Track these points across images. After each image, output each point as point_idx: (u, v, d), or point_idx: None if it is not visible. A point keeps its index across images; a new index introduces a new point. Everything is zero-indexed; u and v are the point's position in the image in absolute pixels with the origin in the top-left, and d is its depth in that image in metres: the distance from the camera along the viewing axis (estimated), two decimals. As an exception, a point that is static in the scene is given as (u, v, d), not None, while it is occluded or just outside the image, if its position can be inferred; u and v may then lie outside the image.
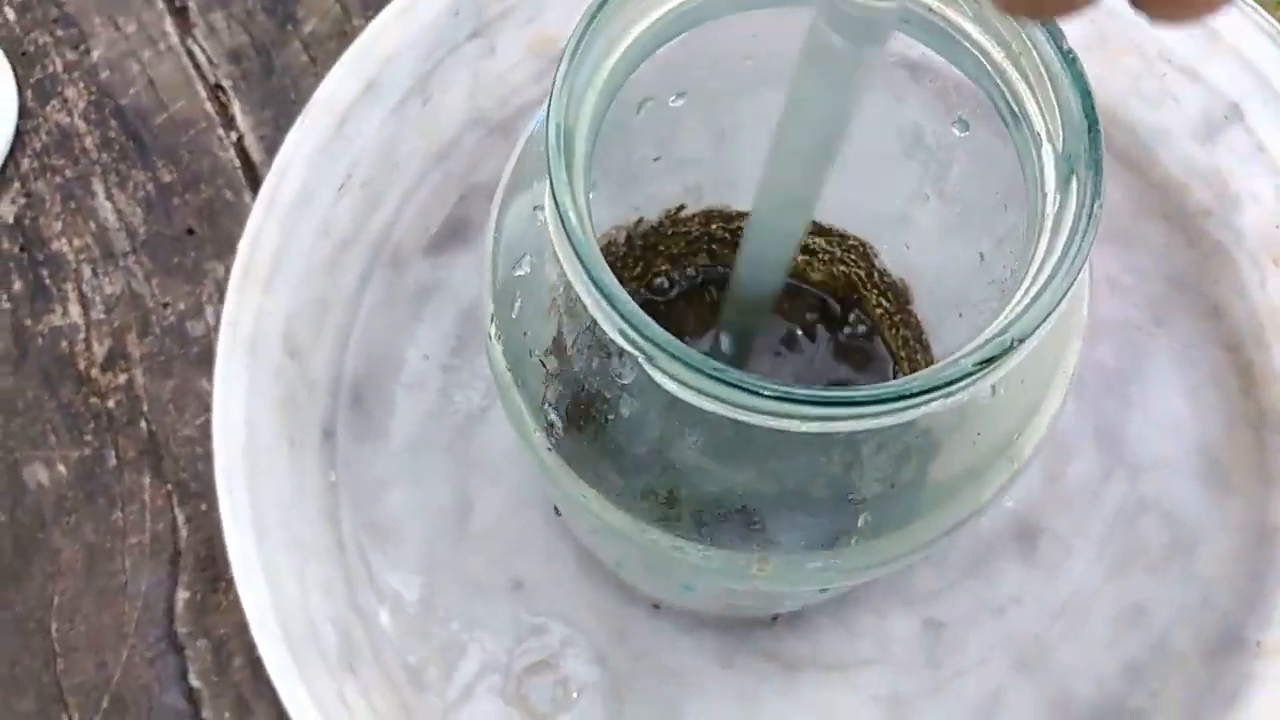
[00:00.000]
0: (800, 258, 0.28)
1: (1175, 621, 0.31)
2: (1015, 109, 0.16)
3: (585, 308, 0.15)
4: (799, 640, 0.30)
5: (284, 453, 0.30)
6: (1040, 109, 0.16)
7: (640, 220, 0.28)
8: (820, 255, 0.28)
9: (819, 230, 0.28)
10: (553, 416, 0.18)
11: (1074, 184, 0.15)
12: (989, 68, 0.16)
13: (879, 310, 0.30)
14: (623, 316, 0.14)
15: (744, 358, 0.23)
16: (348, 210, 0.31)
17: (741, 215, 0.29)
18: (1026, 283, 0.15)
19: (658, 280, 0.31)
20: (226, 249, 0.36)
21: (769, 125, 0.25)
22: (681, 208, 0.27)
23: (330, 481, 0.32)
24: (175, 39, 0.38)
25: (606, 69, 0.16)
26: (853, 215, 0.28)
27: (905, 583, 0.31)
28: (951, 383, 0.14)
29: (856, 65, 0.16)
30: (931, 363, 0.28)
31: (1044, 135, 0.16)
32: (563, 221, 0.14)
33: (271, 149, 0.37)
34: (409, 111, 0.32)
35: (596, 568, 0.31)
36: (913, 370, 0.29)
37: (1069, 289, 0.15)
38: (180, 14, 0.39)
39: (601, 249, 0.27)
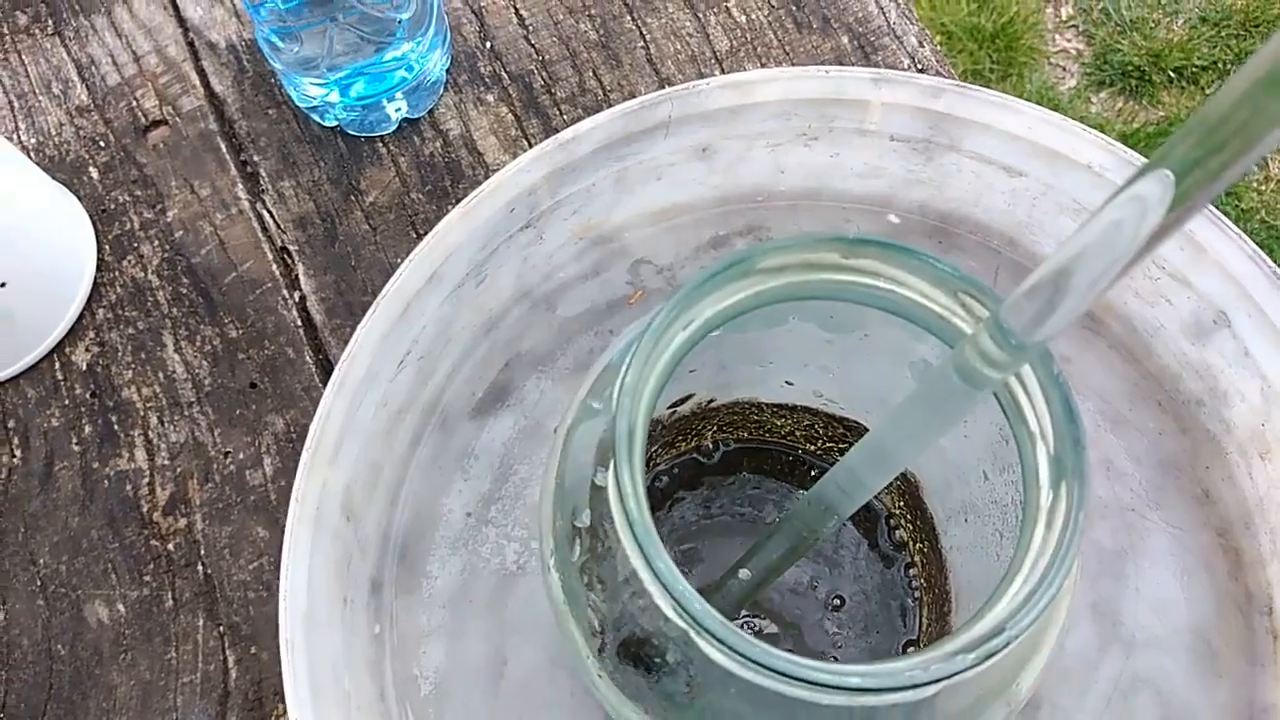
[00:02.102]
0: (831, 445, 0.31)
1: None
2: (1013, 405, 0.19)
3: (644, 584, 0.17)
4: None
5: (338, 612, 0.32)
6: (1035, 412, 0.18)
7: (674, 412, 0.30)
8: (845, 443, 0.31)
9: (848, 425, 0.31)
10: (604, 645, 0.20)
11: (1063, 488, 0.18)
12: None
13: (891, 500, 0.32)
14: (675, 599, 0.16)
15: (774, 573, 0.25)
16: (404, 381, 0.34)
17: (753, 405, 0.32)
18: (1024, 572, 0.18)
19: (681, 450, 0.34)
20: (286, 403, 0.39)
21: (788, 344, 0.28)
22: (711, 400, 0.30)
23: (375, 634, 0.34)
24: (246, 203, 0.42)
25: (659, 370, 0.19)
26: (872, 415, 0.30)
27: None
28: (961, 671, 0.16)
29: (963, 402, 0.18)
30: (939, 553, 0.30)
31: (1039, 435, 0.18)
32: (627, 516, 0.17)
33: (332, 311, 0.40)
34: (465, 293, 0.35)
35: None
36: (920, 559, 0.31)
37: (1057, 591, 0.17)
38: (252, 180, 0.42)
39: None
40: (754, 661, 0.16)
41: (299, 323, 0.40)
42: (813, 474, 0.33)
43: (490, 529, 0.36)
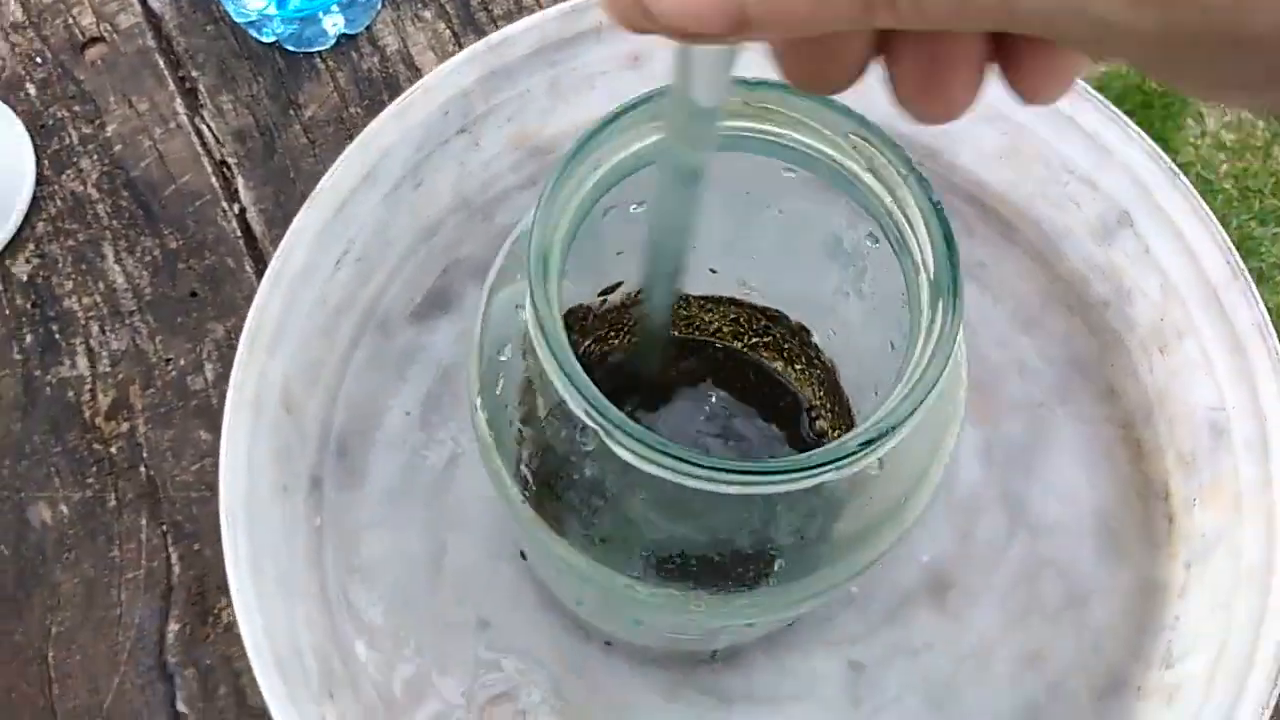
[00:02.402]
0: (756, 339, 0.33)
1: (1069, 667, 0.34)
2: (900, 242, 0.20)
3: (557, 390, 0.18)
4: (735, 677, 0.34)
5: (278, 499, 0.33)
6: (918, 243, 0.20)
7: (604, 301, 0.31)
8: (768, 335, 0.32)
9: (769, 315, 0.32)
10: (526, 475, 0.21)
11: (940, 305, 0.19)
12: (881, 208, 0.20)
13: (810, 386, 0.34)
14: (588, 400, 0.18)
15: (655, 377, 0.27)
16: (343, 282, 0.35)
17: (679, 299, 0.33)
18: (905, 380, 0.19)
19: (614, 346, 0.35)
20: (226, 311, 0.40)
21: (709, 224, 0.29)
22: (639, 292, 0.31)
23: (315, 525, 0.35)
24: (185, 118, 0.42)
25: (575, 202, 0.20)
26: (794, 302, 0.32)
27: (830, 627, 0.35)
28: (841, 459, 0.18)
29: (686, 196, 0.20)
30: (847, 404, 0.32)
31: (921, 265, 0.20)
32: (541, 325, 0.18)
33: (271, 222, 0.41)
34: (402, 195, 0.35)
35: (556, 608, 0.34)
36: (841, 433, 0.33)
37: (933, 386, 0.19)
38: (190, 95, 0.42)
39: (574, 315, 0.31)
40: (658, 450, 0.17)
41: (238, 233, 0.41)
42: (740, 371, 0.35)
43: (429, 429, 0.37)
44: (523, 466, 0.22)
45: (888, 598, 0.35)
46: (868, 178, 0.20)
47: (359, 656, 0.34)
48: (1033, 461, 0.37)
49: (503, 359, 0.22)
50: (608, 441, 0.18)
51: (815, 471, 0.18)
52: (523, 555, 0.34)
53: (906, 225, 0.20)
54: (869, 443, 0.18)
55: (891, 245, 0.21)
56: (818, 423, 0.34)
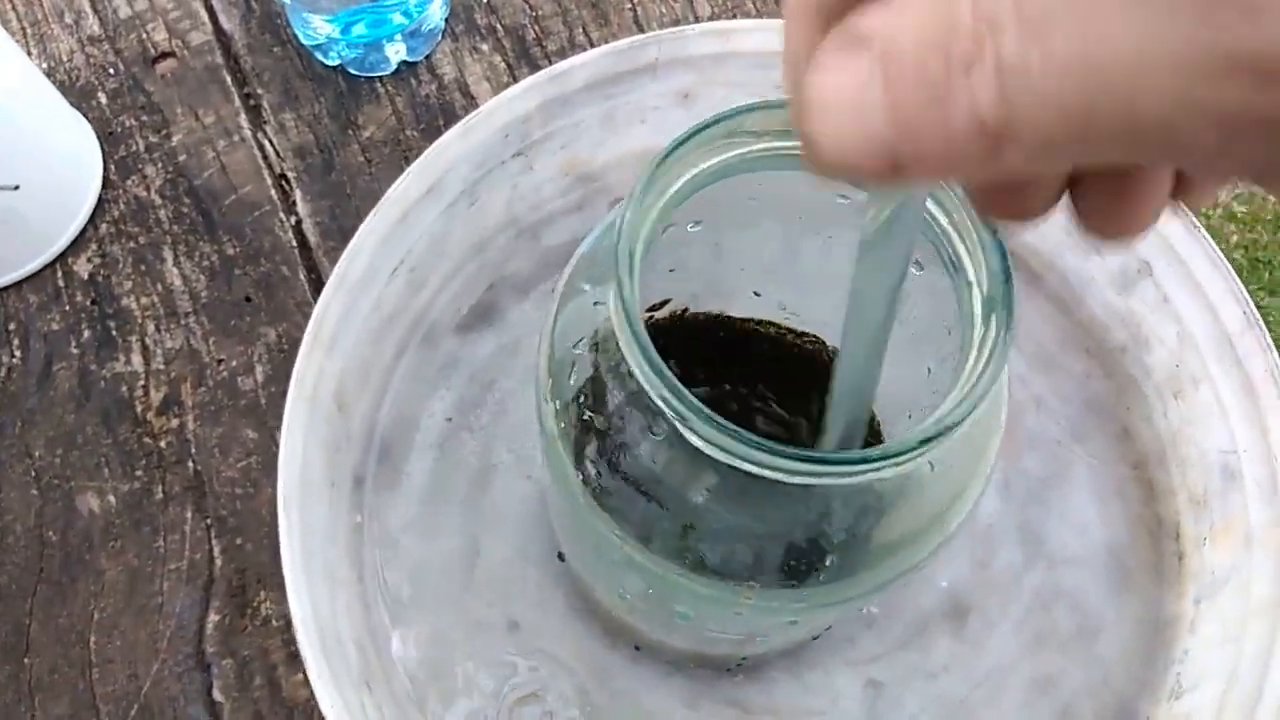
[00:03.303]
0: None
1: (1079, 694, 0.35)
2: (955, 262, 0.22)
3: (635, 379, 0.20)
4: (757, 690, 0.35)
5: (326, 493, 0.34)
6: (972, 264, 0.21)
7: (652, 317, 0.33)
8: (805, 354, 0.34)
9: (808, 341, 0.34)
10: (590, 468, 0.23)
11: (993, 320, 0.21)
12: (937, 230, 0.22)
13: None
14: (666, 386, 0.19)
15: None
16: (397, 290, 0.37)
17: (722, 321, 0.35)
18: (960, 388, 0.21)
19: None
20: (278, 316, 0.41)
21: (758, 247, 0.31)
22: (685, 310, 0.33)
23: (356, 523, 0.36)
24: (248, 132, 0.44)
25: (657, 209, 0.22)
26: (832, 327, 0.33)
27: (851, 646, 0.36)
28: (901, 453, 0.19)
29: (894, 248, 0.21)
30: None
31: (975, 283, 0.21)
32: (627, 315, 0.20)
33: (326, 234, 0.42)
34: (458, 210, 0.37)
35: (585, 613, 0.36)
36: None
37: (987, 392, 0.20)
38: (254, 111, 0.44)
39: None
40: (734, 436, 0.19)
41: (294, 243, 0.42)
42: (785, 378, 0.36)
43: (468, 434, 0.38)
44: (587, 461, 0.23)
45: (908, 620, 0.36)
46: (930, 203, 0.22)
47: (394, 651, 0.35)
48: (1049, 496, 0.38)
49: (577, 351, 0.23)
50: (683, 429, 0.19)
51: (880, 464, 0.19)
52: (560, 557, 0.35)
53: (962, 246, 0.22)
54: (928, 440, 0.19)
55: (946, 265, 0.22)
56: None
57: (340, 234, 0.42)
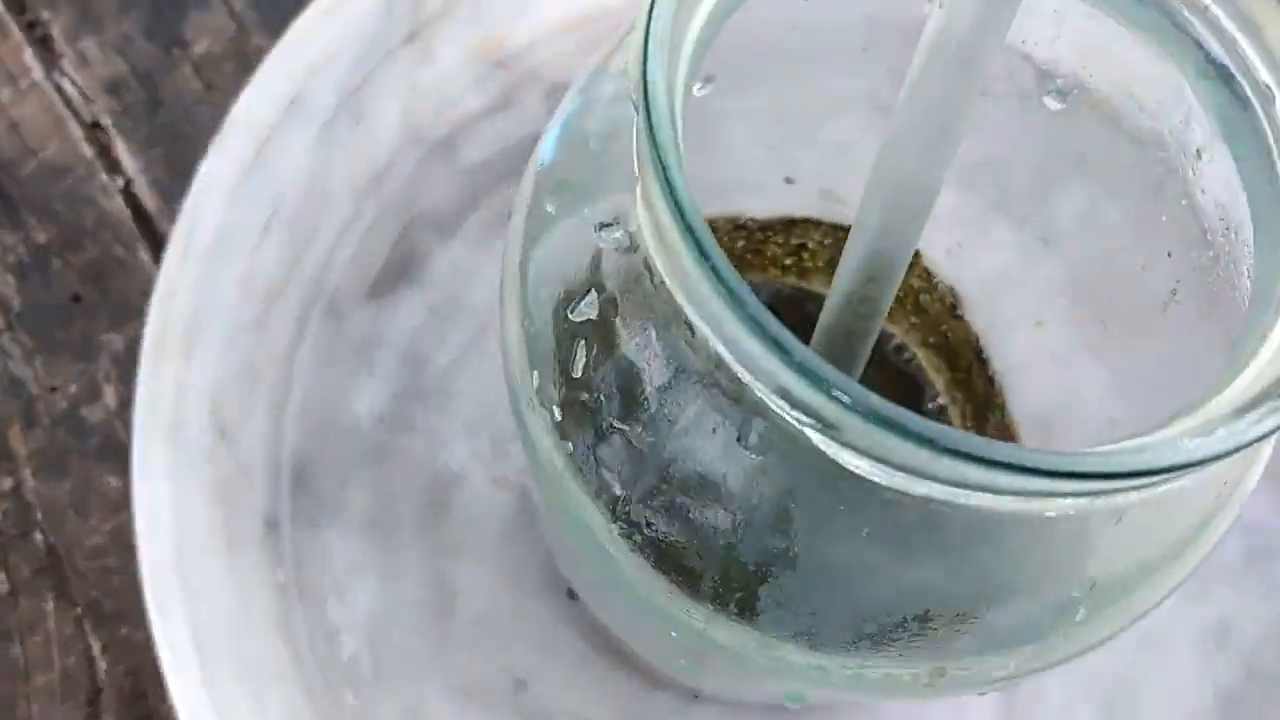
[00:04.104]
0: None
1: (1265, 638, 0.27)
2: (1228, 44, 0.12)
3: (705, 339, 0.10)
4: None
5: (221, 555, 0.24)
6: (1263, 49, 0.12)
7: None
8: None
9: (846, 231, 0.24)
10: (622, 497, 0.13)
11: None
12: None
13: (912, 323, 0.26)
14: (779, 350, 0.09)
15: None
16: (272, 256, 0.26)
17: (738, 226, 0.25)
18: (1238, 387, 0.11)
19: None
20: (122, 315, 0.31)
21: (793, 110, 0.21)
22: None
23: (279, 583, 0.26)
24: (40, 73, 0.33)
25: (687, 50, 0.12)
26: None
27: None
28: (1217, 457, 0.10)
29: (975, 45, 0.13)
30: (992, 384, 0.24)
31: (1275, 84, 0.12)
32: (686, 223, 0.10)
33: (166, 194, 0.32)
34: (338, 133, 0.27)
35: (610, 653, 0.26)
36: (961, 396, 0.25)
37: None
38: (43, 44, 0.33)
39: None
40: (950, 450, 0.09)
41: (126, 213, 0.32)
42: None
43: (410, 436, 0.28)
44: (614, 487, 0.13)
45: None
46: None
47: (362, 750, 0.25)
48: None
49: (581, 320, 0.13)
50: (814, 431, 0.10)
51: (1188, 468, 0.10)
52: (570, 595, 0.26)
53: (1237, 34, 0.12)
54: (1208, 458, 0.11)
55: (1205, 53, 0.13)
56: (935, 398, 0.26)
57: (184, 190, 0.31)
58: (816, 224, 0.24)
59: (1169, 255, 0.16)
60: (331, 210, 0.28)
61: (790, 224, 0.24)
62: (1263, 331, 0.12)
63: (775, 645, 0.13)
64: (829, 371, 0.09)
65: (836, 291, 0.16)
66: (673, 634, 0.14)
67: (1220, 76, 0.12)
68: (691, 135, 0.21)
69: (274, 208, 0.26)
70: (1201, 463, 0.11)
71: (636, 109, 0.11)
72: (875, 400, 0.09)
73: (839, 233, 0.24)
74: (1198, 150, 0.15)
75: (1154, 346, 0.19)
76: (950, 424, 0.27)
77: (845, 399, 0.09)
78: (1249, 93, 0.12)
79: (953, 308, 0.24)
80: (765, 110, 0.20)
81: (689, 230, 0.10)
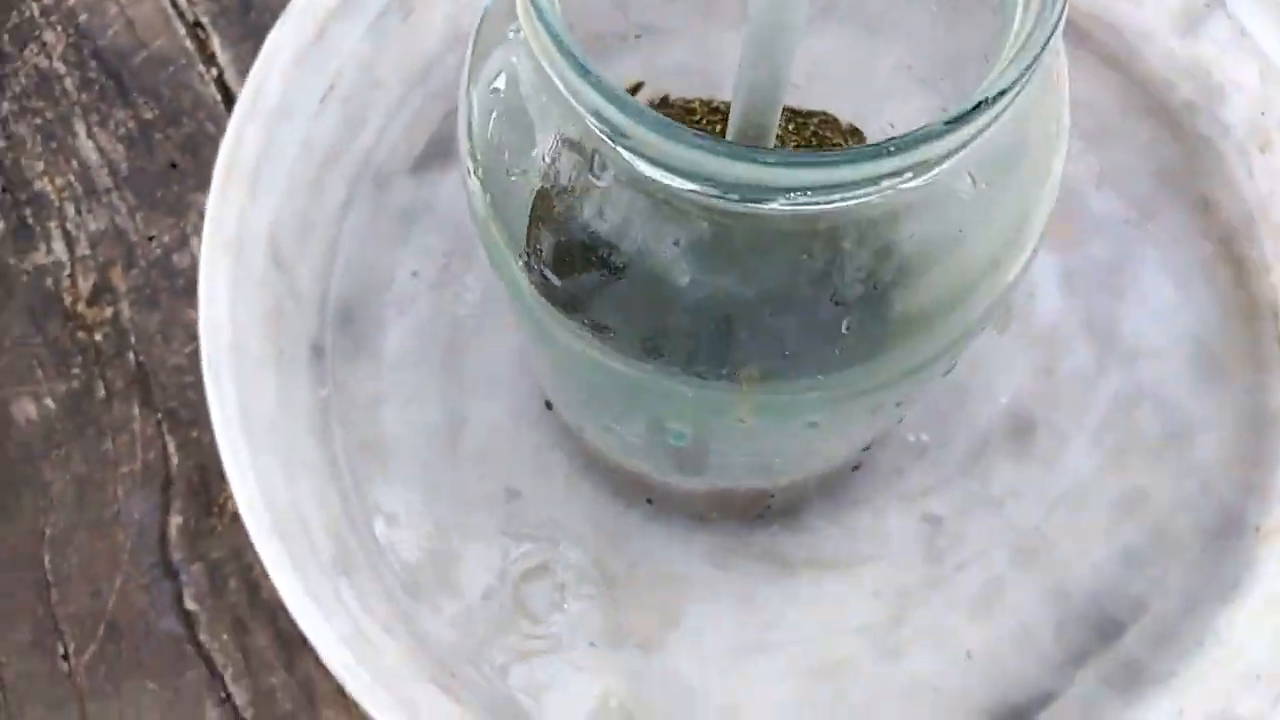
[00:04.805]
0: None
1: (1174, 508, 0.30)
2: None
3: (558, 93, 0.14)
4: (795, 540, 0.30)
5: (271, 365, 0.29)
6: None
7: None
8: (816, 139, 0.28)
9: (822, 121, 0.28)
10: (531, 249, 0.17)
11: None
12: None
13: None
14: (592, 86, 0.14)
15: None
16: (328, 126, 0.31)
17: (711, 109, 0.29)
18: (1003, 58, 0.15)
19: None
20: (209, 182, 0.36)
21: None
22: (665, 97, 0.27)
23: (321, 397, 0.31)
24: (153, -23, 0.38)
25: None
26: (846, 100, 0.28)
27: (900, 479, 0.31)
28: (923, 141, 0.14)
29: None
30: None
31: None
32: (538, 10, 0.14)
33: (253, 81, 0.37)
34: (389, 26, 0.31)
35: (590, 474, 0.31)
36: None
37: (1040, 52, 0.14)
38: (157, -47, 0.39)
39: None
40: (696, 144, 0.13)
41: (218, 97, 0.37)
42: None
43: (440, 290, 0.33)
44: (529, 241, 0.18)
45: (964, 445, 0.31)
46: None
47: (377, 536, 0.30)
48: (1120, 285, 0.32)
49: (493, 90, 0.18)
50: (626, 153, 0.14)
51: (899, 156, 0.14)
52: (548, 405, 0.30)
53: None
54: (963, 117, 0.14)
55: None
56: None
57: (266, 76, 0.36)
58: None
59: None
60: (381, 93, 0.33)
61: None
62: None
63: (634, 363, 0.17)
64: (624, 96, 0.14)
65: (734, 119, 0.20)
66: (581, 373, 0.18)
67: None
68: (658, 20, 0.25)
69: (331, 83, 0.30)
70: (898, 152, 0.14)
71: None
72: (653, 113, 0.13)
73: (788, 112, 0.28)
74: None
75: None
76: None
77: (632, 110, 0.14)
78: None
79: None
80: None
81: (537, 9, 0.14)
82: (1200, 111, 0.33)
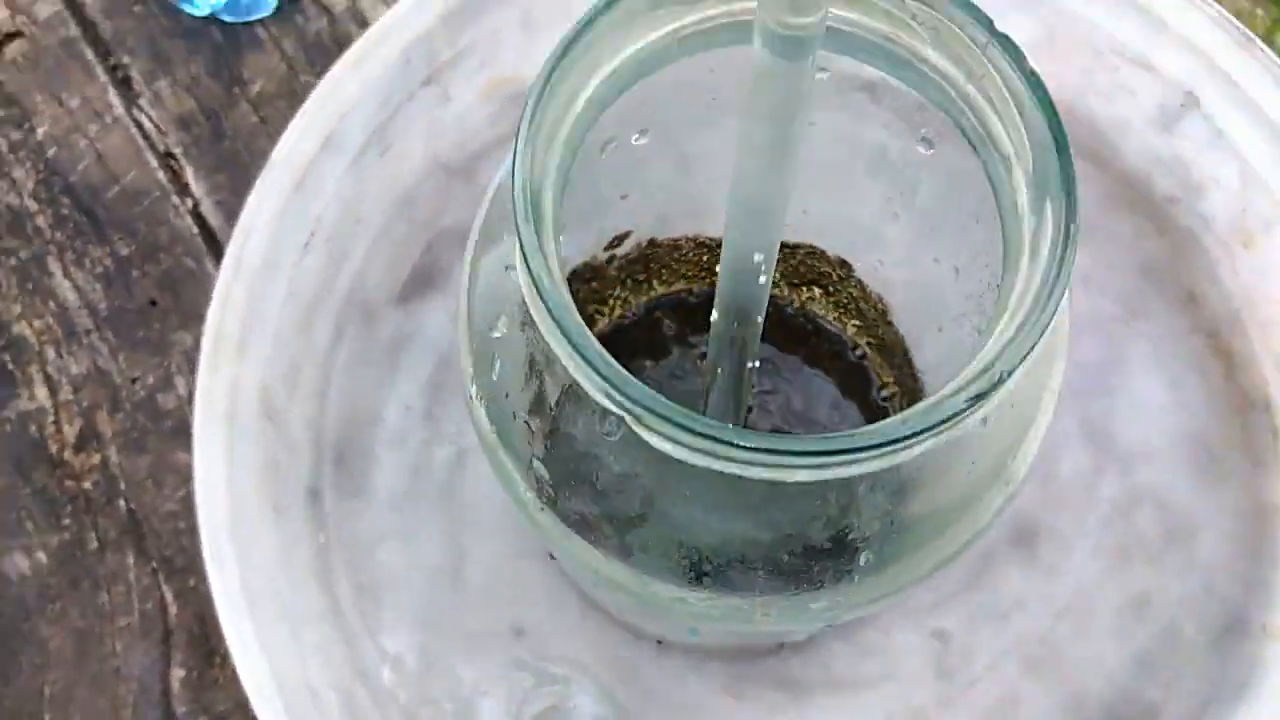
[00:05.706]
0: (800, 285, 0.28)
1: (1180, 610, 0.31)
2: (981, 132, 0.16)
3: (566, 368, 0.14)
4: (807, 665, 0.30)
5: (269, 520, 0.29)
6: (1007, 131, 0.16)
7: (613, 256, 0.27)
8: (796, 274, 0.28)
9: (806, 251, 0.28)
10: (541, 473, 0.17)
11: (1048, 207, 0.15)
12: (952, 93, 0.16)
13: (855, 326, 0.29)
14: (606, 379, 0.14)
15: (740, 391, 0.23)
16: (313, 269, 0.31)
17: (699, 244, 0.29)
18: (1010, 310, 0.15)
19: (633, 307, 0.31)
20: (191, 318, 0.36)
21: (728, 150, 0.25)
22: (651, 240, 0.27)
23: (320, 544, 0.31)
24: (121, 110, 0.38)
25: (569, 122, 0.16)
26: (830, 233, 0.28)
27: (907, 596, 0.31)
28: (944, 421, 0.14)
29: (794, 80, 0.16)
30: (916, 379, 0.28)
31: (1013, 158, 0.16)
32: (537, 286, 0.14)
33: (229, 213, 0.36)
34: (368, 164, 0.31)
35: (598, 609, 0.31)
36: (900, 389, 0.29)
37: (1053, 316, 0.14)
38: (124, 85, 0.38)
39: (579, 277, 0.27)
40: (704, 435, 0.13)
41: (195, 230, 0.36)
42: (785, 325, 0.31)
43: (433, 422, 0.33)
44: (535, 463, 0.18)
45: (968, 557, 0.31)
46: (933, 55, 0.16)
47: (385, 684, 0.30)
48: (1111, 384, 0.33)
49: (496, 335, 0.17)
50: (636, 429, 0.14)
51: (911, 443, 0.14)
52: (551, 556, 0.30)
53: (989, 110, 0.16)
54: (978, 398, 0.14)
55: (968, 139, 0.16)
56: (881, 381, 0.30)
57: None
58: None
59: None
60: (364, 229, 0.32)
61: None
62: (988, 335, 0.15)
63: (649, 581, 0.17)
64: (629, 383, 0.13)
65: (719, 299, 0.20)
66: (583, 574, 0.18)
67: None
68: (642, 179, 0.25)
69: (313, 229, 0.30)
70: (885, 444, 0.14)
71: (513, 195, 0.15)
72: (665, 403, 0.13)
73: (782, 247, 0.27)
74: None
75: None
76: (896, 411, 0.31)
77: (636, 398, 0.13)
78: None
79: (884, 313, 0.28)
80: (704, 153, 0.24)
81: (537, 288, 0.14)
82: (1181, 205, 0.34)
